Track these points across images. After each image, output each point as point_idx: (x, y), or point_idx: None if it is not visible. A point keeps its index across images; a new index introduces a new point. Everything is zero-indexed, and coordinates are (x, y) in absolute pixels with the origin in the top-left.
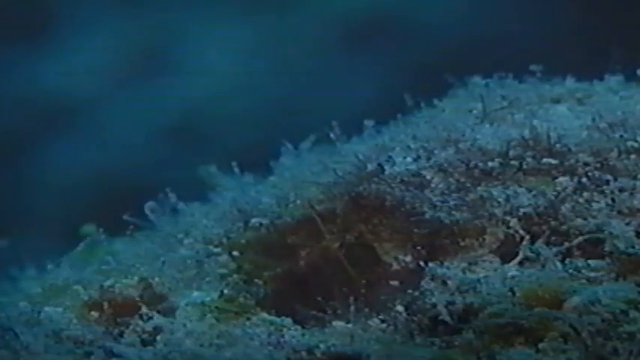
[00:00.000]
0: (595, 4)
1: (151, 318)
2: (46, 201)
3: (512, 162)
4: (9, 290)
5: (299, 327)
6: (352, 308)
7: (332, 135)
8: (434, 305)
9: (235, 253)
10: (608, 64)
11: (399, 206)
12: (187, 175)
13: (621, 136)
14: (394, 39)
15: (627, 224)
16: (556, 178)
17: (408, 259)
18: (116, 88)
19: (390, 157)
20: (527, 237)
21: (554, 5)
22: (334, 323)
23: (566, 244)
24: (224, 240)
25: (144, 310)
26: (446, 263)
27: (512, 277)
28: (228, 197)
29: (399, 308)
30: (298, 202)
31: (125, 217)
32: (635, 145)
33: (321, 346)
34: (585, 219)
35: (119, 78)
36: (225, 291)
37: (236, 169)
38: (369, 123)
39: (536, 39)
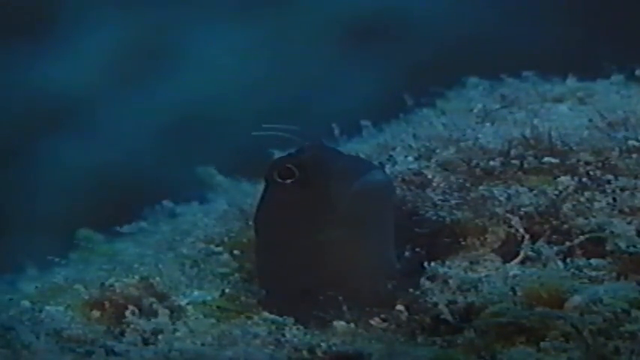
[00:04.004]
0: (595, 4)
1: (152, 317)
2: (46, 201)
3: (514, 161)
4: (10, 290)
5: (300, 326)
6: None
7: (333, 134)
8: (435, 304)
9: (236, 252)
10: (608, 64)
11: (400, 205)
12: (188, 175)
13: (622, 135)
14: (395, 39)
15: (629, 223)
16: (557, 177)
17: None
18: (116, 88)
19: (391, 156)
20: (529, 236)
21: (554, 5)
22: (335, 323)
23: (568, 243)
24: (225, 239)
25: (145, 309)
26: (447, 262)
27: (514, 276)
28: (228, 197)
29: (401, 307)
30: None
31: (125, 224)
32: (637, 144)
33: (323, 345)
34: (586, 218)
35: (119, 78)
36: (227, 290)
37: (236, 169)
38: (365, 123)
39: (537, 39)
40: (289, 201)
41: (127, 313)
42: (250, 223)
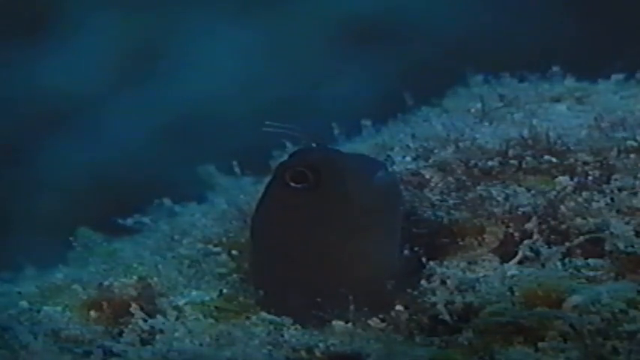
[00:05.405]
0: (596, 4)
1: (150, 317)
2: (46, 201)
3: (512, 161)
4: (8, 290)
5: (298, 326)
6: (352, 307)
7: (333, 134)
8: (433, 304)
9: (235, 252)
10: (608, 64)
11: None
12: (187, 175)
13: (621, 135)
14: (394, 39)
15: (627, 223)
16: (555, 177)
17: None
18: (116, 88)
19: (389, 156)
20: (527, 236)
21: (554, 5)
22: (334, 322)
23: (567, 243)
24: (223, 239)
25: (143, 309)
26: (445, 262)
27: (512, 276)
28: (227, 197)
29: (399, 307)
30: None
31: (125, 219)
32: (635, 144)
33: (321, 345)
34: (585, 218)
35: (119, 78)
36: (225, 290)
37: (236, 169)
38: (366, 122)
39: (537, 38)
40: (301, 205)
41: (132, 309)
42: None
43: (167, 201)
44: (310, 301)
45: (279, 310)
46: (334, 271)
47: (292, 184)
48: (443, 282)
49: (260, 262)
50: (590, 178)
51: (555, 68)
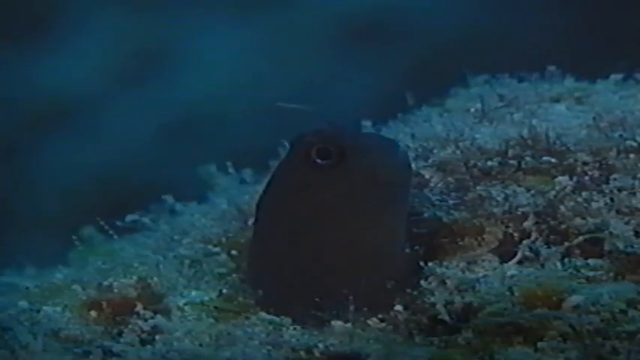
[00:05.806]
0: (596, 4)
1: (149, 317)
2: (46, 201)
3: (511, 161)
4: (8, 290)
5: (298, 326)
6: (352, 307)
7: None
8: (433, 305)
9: (234, 252)
10: (608, 64)
11: None
12: (187, 175)
13: (620, 135)
14: (394, 39)
15: (626, 223)
16: (555, 177)
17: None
18: (116, 89)
19: None
20: (526, 236)
21: (554, 5)
22: (333, 323)
23: (566, 243)
24: (223, 239)
25: (143, 309)
26: (445, 262)
27: (511, 276)
28: (227, 197)
29: (398, 307)
30: None
31: (124, 218)
32: (634, 144)
33: (320, 345)
34: (584, 218)
35: (119, 78)
36: (224, 290)
37: (235, 169)
38: (366, 123)
39: (537, 38)
40: (325, 181)
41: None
42: (249, 223)
43: (169, 198)
44: (310, 300)
45: (279, 308)
46: (358, 248)
47: (317, 160)
48: (442, 282)
49: (263, 253)
50: (588, 178)
51: (553, 68)
